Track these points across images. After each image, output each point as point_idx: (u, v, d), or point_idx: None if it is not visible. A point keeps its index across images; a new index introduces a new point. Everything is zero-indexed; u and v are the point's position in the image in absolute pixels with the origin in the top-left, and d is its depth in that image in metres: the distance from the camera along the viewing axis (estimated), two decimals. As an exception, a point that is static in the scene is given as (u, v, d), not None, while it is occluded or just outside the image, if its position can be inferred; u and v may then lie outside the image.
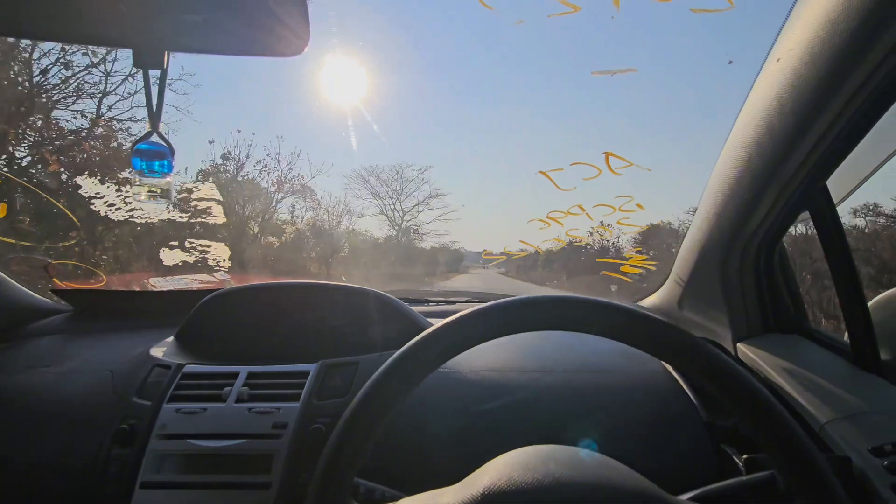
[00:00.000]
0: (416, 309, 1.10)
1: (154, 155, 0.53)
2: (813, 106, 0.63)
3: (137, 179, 0.55)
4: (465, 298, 1.49)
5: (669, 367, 0.91)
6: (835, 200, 0.78)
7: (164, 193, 0.56)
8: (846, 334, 0.81)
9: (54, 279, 1.51)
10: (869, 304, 0.80)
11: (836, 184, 0.77)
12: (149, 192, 0.55)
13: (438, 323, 0.52)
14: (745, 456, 0.64)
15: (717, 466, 0.74)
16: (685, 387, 0.86)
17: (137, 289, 1.59)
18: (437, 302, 1.46)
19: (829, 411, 0.71)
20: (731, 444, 0.74)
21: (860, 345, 0.78)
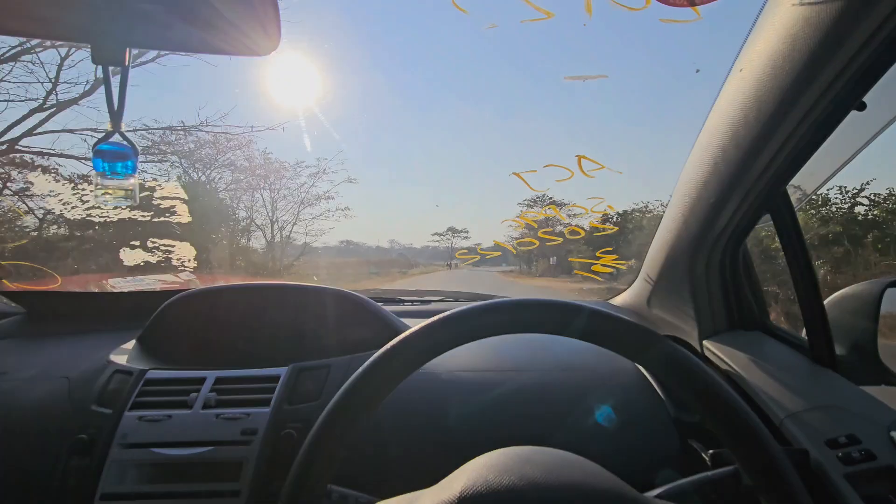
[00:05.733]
0: (390, 309, 1.09)
1: (116, 156, 0.50)
2: (774, 116, 0.65)
3: (99, 182, 0.52)
4: (440, 297, 1.49)
5: (639, 365, 0.93)
6: (794, 204, 0.81)
7: (129, 195, 0.53)
8: (804, 331, 0.85)
9: (4, 280, 1.42)
10: (824, 302, 0.84)
11: (795, 188, 0.80)
12: (111, 194, 0.52)
13: (414, 327, 0.51)
14: (710, 451, 0.67)
15: (684, 462, 0.76)
16: (653, 383, 0.88)
17: (96, 290, 1.52)
18: (412, 301, 1.44)
19: (789, 406, 0.74)
20: (698, 440, 0.76)
21: (817, 342, 0.82)
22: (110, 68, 0.48)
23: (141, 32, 0.48)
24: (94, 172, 0.50)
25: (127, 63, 0.48)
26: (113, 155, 0.50)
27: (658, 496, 0.54)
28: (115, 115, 0.49)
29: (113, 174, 0.51)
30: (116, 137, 0.50)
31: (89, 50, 0.47)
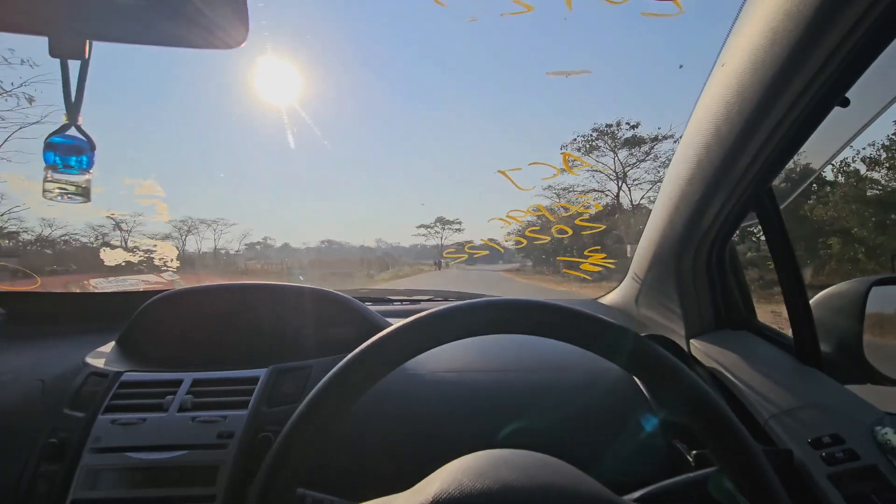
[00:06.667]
0: (378, 308, 1.07)
1: (70, 150, 0.48)
2: (756, 111, 0.64)
3: (49, 175, 0.49)
4: (429, 297, 1.47)
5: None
6: (779, 201, 0.80)
7: (81, 192, 0.51)
8: (790, 330, 0.85)
9: (-18, 282, 1.39)
10: (810, 301, 0.83)
11: (780, 186, 0.79)
12: (60, 188, 0.50)
13: (391, 326, 0.50)
14: (694, 451, 0.66)
15: (669, 462, 0.75)
16: (639, 383, 0.87)
17: (77, 290, 1.49)
18: (401, 301, 1.43)
19: (774, 405, 0.73)
20: (683, 440, 0.75)
21: (803, 341, 0.81)
22: (69, 61, 0.46)
23: (101, 24, 0.46)
24: (45, 165, 0.48)
25: (87, 56, 0.46)
26: (66, 148, 0.48)
27: (641, 497, 0.53)
28: (72, 108, 0.47)
29: (66, 168, 0.49)
30: (72, 130, 0.48)
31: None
